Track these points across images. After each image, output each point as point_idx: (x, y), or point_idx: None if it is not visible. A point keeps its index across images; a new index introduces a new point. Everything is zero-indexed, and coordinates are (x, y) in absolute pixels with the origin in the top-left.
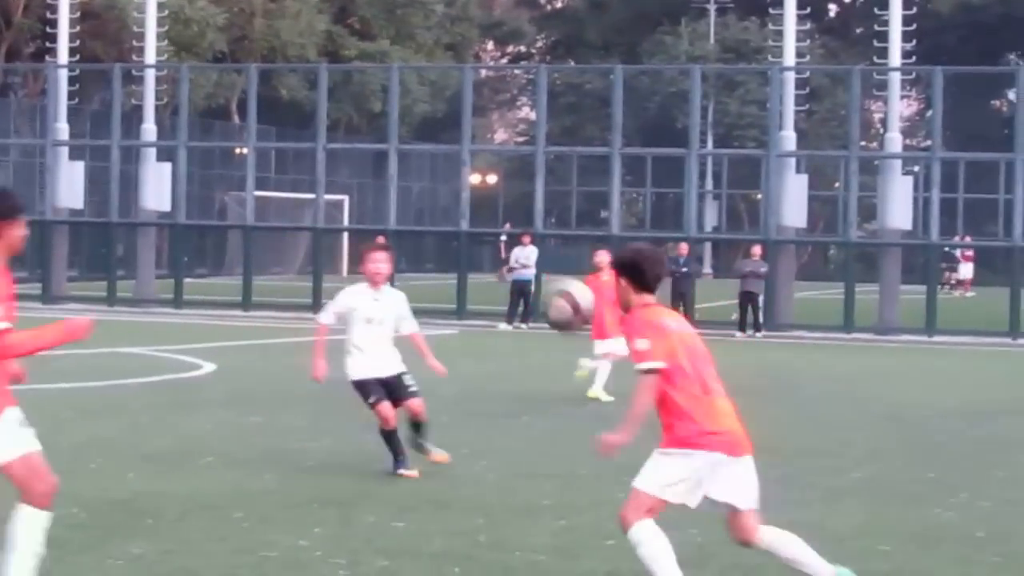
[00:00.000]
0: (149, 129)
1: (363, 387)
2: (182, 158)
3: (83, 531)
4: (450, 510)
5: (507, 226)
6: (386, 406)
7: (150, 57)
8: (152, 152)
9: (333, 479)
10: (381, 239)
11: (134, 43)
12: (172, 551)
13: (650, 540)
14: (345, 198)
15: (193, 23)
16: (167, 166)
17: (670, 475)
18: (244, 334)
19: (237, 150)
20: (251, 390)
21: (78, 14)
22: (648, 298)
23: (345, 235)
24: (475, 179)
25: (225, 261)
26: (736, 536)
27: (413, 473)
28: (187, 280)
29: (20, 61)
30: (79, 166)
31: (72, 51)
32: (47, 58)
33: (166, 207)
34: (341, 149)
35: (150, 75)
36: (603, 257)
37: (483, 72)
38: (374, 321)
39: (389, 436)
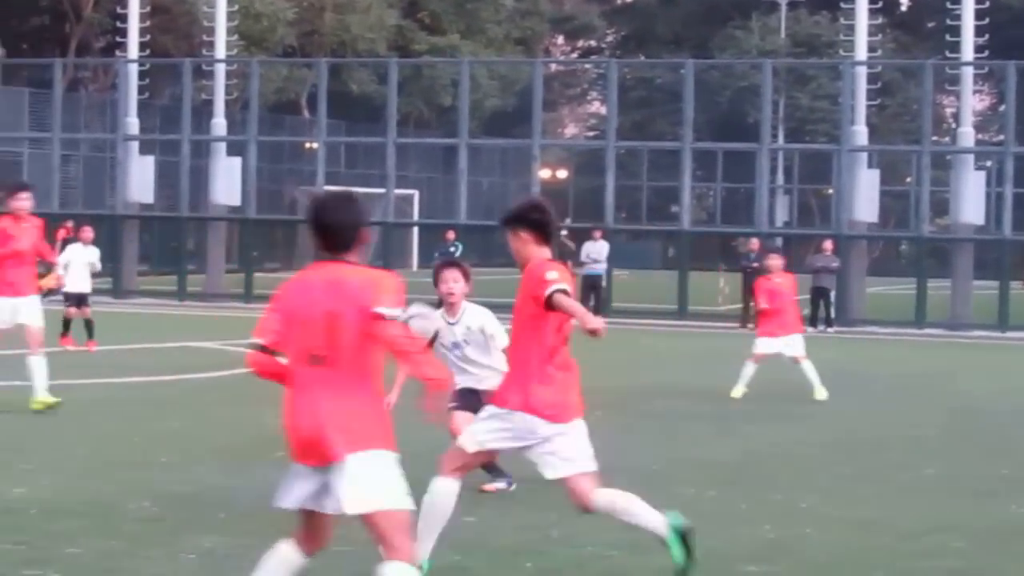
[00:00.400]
0: (219, 124)
1: (453, 394)
2: (252, 153)
3: (155, 524)
4: (522, 505)
5: (567, 220)
6: (459, 415)
7: (220, 52)
8: (222, 147)
9: (404, 474)
10: (451, 234)
11: (204, 38)
12: (244, 545)
13: (438, 498)
14: (415, 192)
15: (263, 18)
16: (237, 161)
17: (488, 432)
18: None
19: (307, 144)
20: None
21: (148, 9)
22: (547, 253)
23: (415, 229)
24: (545, 173)
25: (295, 255)
26: (574, 502)
27: (498, 486)
28: (257, 274)
29: (90, 56)
30: (149, 161)
31: (142, 46)
32: (117, 53)
33: (236, 202)
34: (411, 143)
35: (220, 70)
36: (775, 261)
37: (553, 67)
38: (458, 346)
39: None
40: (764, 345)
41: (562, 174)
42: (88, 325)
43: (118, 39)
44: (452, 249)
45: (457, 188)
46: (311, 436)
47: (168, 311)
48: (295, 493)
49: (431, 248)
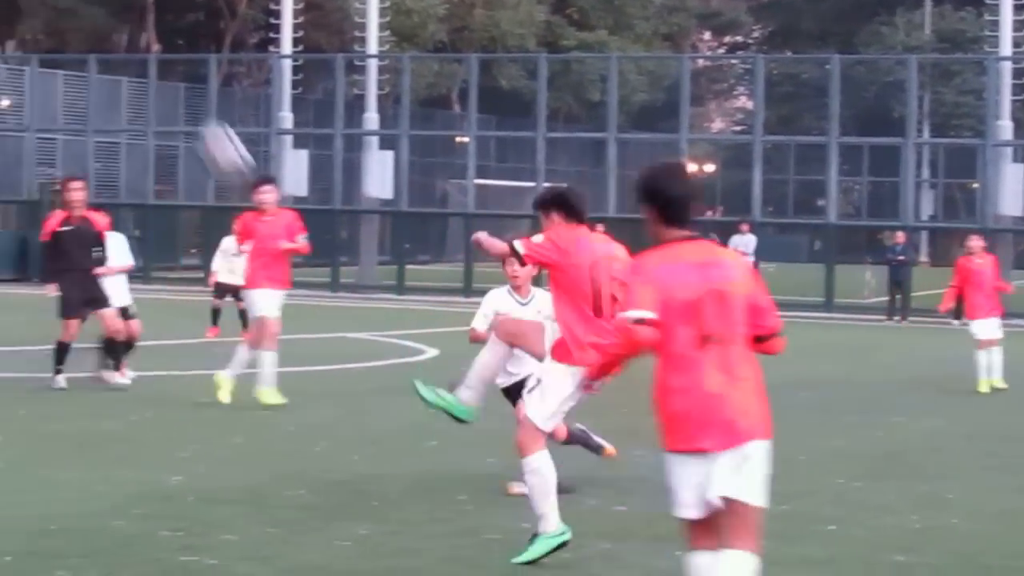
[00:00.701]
0: (371, 118)
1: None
2: (404, 146)
3: (309, 512)
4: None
5: (708, 214)
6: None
7: (372, 47)
8: (374, 141)
9: (556, 463)
10: (600, 227)
11: (356, 33)
12: (396, 532)
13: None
14: (564, 186)
15: (414, 14)
16: (389, 154)
17: None
18: (465, 320)
19: (458, 139)
20: None
21: (301, 5)
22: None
23: None
24: (692, 167)
25: (446, 248)
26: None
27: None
28: (409, 266)
29: (244, 51)
30: (303, 154)
31: (295, 41)
32: (271, 48)
33: (388, 195)
34: (560, 138)
35: (372, 65)
36: (977, 242)
37: (700, 62)
38: None
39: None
40: (981, 329)
41: (709, 168)
42: (243, 316)
43: (272, 35)
44: None
45: (606, 182)
46: (713, 417)
47: (321, 302)
48: (690, 496)
49: None
